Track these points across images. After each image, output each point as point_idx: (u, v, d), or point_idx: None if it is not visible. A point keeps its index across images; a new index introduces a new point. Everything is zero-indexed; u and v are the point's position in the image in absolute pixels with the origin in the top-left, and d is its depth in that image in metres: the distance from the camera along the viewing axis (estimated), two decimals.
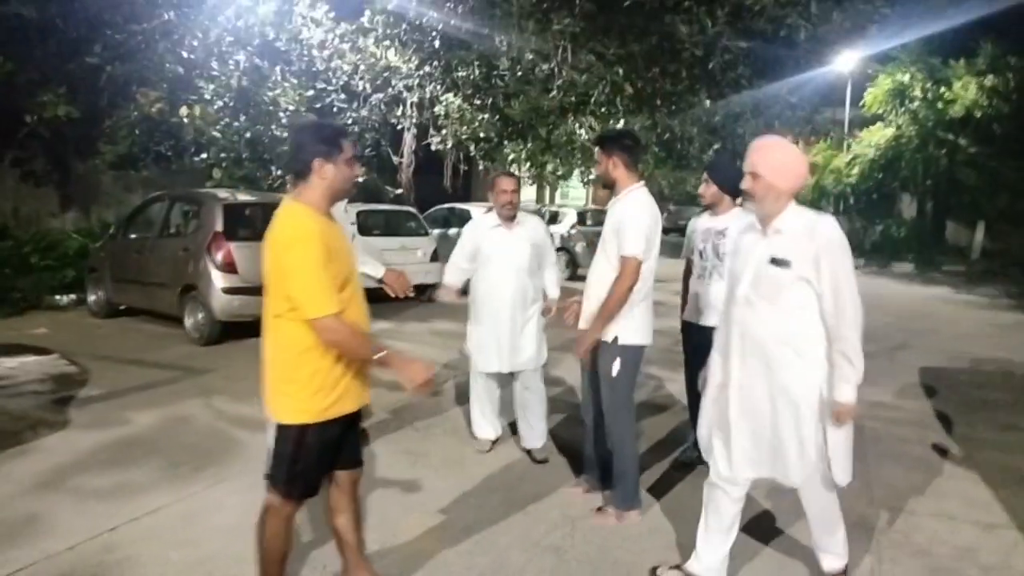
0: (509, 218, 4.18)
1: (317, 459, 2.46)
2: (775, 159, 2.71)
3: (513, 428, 4.60)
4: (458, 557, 3.14)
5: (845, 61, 17.58)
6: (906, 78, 20.25)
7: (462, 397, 5.34)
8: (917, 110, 20.33)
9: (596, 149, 3.61)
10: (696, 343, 3.86)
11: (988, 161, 19.50)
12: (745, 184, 2.75)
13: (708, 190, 4.02)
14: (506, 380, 4.47)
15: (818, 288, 2.60)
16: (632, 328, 3.38)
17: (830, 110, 19.05)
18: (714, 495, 2.87)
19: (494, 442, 4.51)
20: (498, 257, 4.17)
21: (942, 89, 19.65)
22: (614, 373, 3.32)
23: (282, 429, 2.43)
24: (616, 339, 3.38)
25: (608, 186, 3.57)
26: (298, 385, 2.38)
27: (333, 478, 2.61)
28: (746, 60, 9.99)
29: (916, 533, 3.52)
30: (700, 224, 4.13)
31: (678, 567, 3.01)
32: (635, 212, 3.38)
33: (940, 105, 19.71)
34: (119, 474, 3.98)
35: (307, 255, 2.28)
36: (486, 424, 4.48)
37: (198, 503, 3.64)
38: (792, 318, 2.65)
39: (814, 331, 2.64)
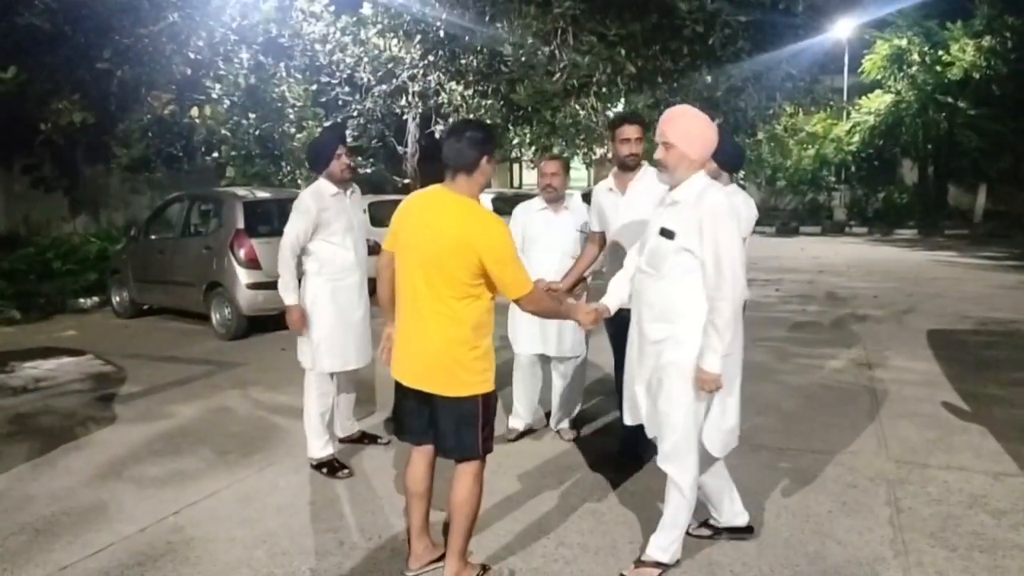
0: (551, 200, 4.21)
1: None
2: (686, 128, 2.75)
3: (548, 416, 4.68)
4: (502, 524, 3.36)
5: (842, 28, 17.61)
6: (903, 43, 20.26)
7: (498, 383, 5.51)
8: (916, 74, 20.36)
9: (633, 127, 3.75)
10: None
11: (988, 123, 19.54)
12: (658, 154, 2.78)
13: (708, 166, 4.11)
14: (547, 366, 4.49)
15: (700, 256, 2.65)
16: None
17: (828, 78, 19.06)
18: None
19: (523, 433, 4.47)
20: (543, 240, 4.19)
21: (940, 52, 19.66)
22: None
23: (468, 402, 2.64)
24: None
25: (631, 168, 3.74)
26: (480, 358, 2.64)
27: (432, 450, 2.81)
28: (745, 33, 10.06)
29: (930, 484, 3.72)
30: None
31: (705, 523, 3.19)
32: None
33: (939, 68, 19.74)
34: (172, 463, 4.20)
35: (512, 242, 2.59)
36: (523, 409, 4.47)
37: (252, 485, 3.86)
38: (674, 288, 2.73)
39: (695, 301, 2.70)
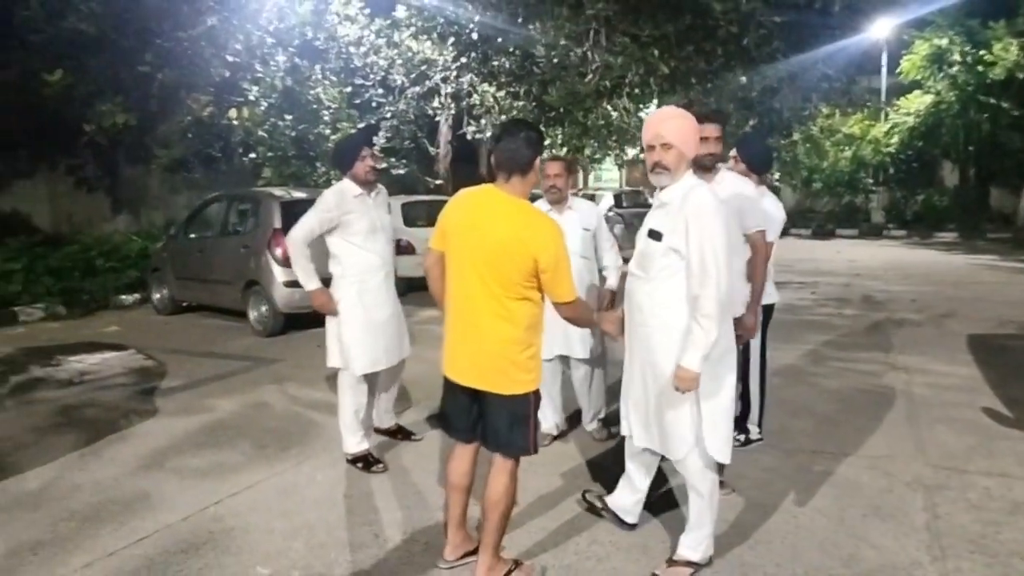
0: (556, 202, 4.18)
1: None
2: (681, 127, 2.73)
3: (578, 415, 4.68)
4: (535, 521, 3.38)
5: (880, 28, 17.29)
6: (944, 42, 19.82)
7: None
8: (956, 75, 19.90)
9: (713, 126, 3.44)
10: None
11: None
12: (655, 157, 2.74)
13: (737, 167, 4.00)
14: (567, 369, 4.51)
15: (685, 255, 2.66)
16: None
17: (865, 79, 18.72)
18: (629, 444, 3.14)
19: (555, 437, 4.46)
20: None
21: (982, 52, 19.18)
22: None
23: (520, 400, 2.66)
24: None
25: (708, 168, 3.48)
26: (533, 357, 2.66)
27: (477, 446, 2.85)
28: (781, 33, 9.95)
29: (970, 490, 3.66)
30: None
31: (600, 496, 3.36)
32: None
33: (980, 68, 19.27)
34: (213, 455, 4.31)
35: (565, 246, 2.59)
36: (551, 414, 4.43)
37: (290, 479, 3.94)
38: (662, 290, 2.74)
39: (682, 304, 2.69)
